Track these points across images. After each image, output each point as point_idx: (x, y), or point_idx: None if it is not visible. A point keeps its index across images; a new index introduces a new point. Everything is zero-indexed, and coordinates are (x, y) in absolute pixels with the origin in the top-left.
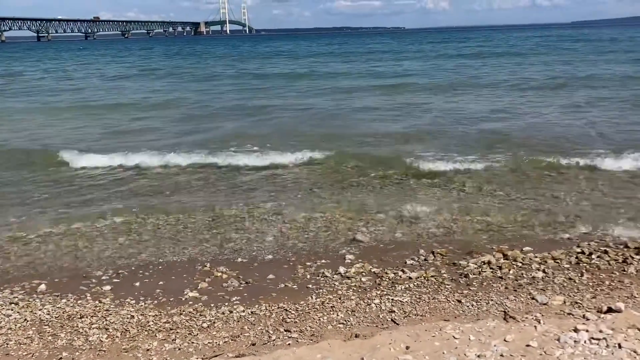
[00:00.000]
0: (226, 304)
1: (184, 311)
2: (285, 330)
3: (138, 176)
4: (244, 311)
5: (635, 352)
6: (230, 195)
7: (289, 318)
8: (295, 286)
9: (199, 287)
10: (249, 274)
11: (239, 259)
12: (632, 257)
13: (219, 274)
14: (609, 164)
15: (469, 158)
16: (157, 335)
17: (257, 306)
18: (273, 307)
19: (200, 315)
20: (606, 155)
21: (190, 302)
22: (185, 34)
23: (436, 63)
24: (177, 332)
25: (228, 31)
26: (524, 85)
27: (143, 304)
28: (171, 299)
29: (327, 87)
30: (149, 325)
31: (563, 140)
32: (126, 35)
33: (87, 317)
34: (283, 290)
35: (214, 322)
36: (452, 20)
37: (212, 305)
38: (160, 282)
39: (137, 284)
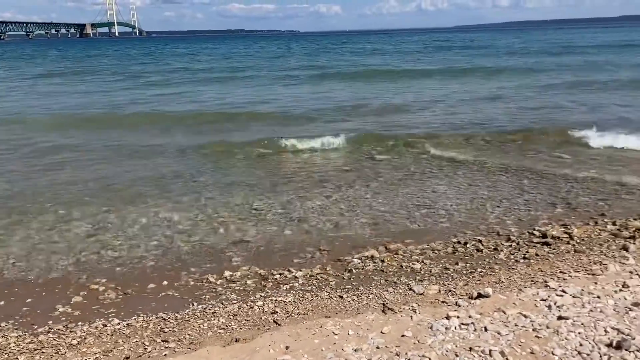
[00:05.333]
0: (101, 317)
1: (52, 329)
2: (163, 341)
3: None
4: (119, 324)
5: (499, 333)
6: (110, 197)
7: (167, 328)
8: (177, 294)
9: (72, 302)
10: (129, 284)
11: (119, 269)
12: (503, 244)
13: (96, 287)
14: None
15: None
16: (18, 357)
17: (134, 318)
18: (151, 318)
19: (70, 331)
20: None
21: (61, 319)
22: (70, 35)
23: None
24: (43, 352)
25: (117, 33)
26: None
27: (6, 324)
28: (39, 317)
29: None
30: (10, 348)
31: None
32: (2, 37)
33: None
34: (164, 299)
35: (85, 338)
36: (344, 25)
37: (84, 320)
38: (29, 300)
39: (2, 303)
